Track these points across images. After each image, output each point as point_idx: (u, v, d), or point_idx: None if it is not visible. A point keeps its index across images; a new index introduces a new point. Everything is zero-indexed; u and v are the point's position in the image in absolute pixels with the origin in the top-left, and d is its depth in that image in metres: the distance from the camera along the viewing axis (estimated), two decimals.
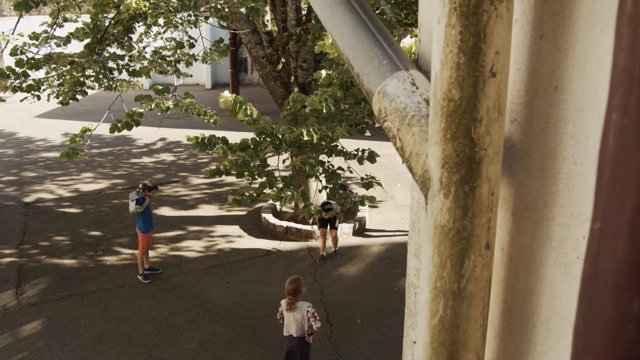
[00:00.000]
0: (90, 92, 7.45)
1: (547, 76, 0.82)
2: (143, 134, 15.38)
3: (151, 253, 8.98)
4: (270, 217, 9.95)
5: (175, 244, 9.58)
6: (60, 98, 7.40)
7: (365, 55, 1.04)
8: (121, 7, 4.85)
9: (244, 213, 10.71)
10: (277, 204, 10.50)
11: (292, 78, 8.87)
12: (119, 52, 7.20)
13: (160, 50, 7.95)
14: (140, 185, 8.19)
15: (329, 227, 8.71)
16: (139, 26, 6.68)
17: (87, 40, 6.73)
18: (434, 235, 0.85)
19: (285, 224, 9.73)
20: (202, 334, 7.09)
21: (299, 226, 9.62)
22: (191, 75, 8.24)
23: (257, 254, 9.21)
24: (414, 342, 1.22)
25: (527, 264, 0.90)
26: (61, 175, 12.97)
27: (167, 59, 8.01)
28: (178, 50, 7.78)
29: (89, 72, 6.81)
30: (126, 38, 7.56)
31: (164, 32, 6.32)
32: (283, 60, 8.74)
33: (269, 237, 9.68)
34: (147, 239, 8.28)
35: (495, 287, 0.95)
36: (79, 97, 7.42)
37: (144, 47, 6.58)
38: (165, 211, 10.76)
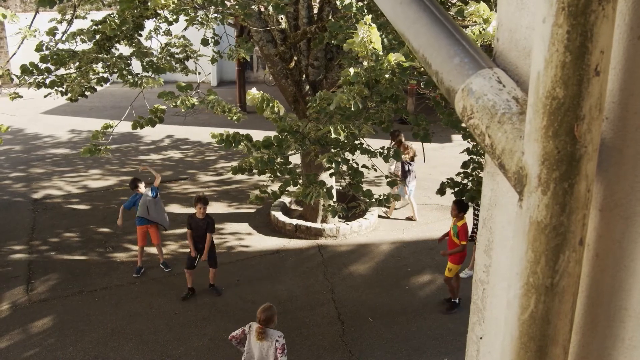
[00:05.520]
0: (97, 88, 7.48)
1: None
2: (150, 131, 15.37)
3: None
4: (279, 215, 9.95)
5: (185, 241, 9.56)
6: (70, 94, 7.42)
7: (444, 54, 1.06)
8: (149, 4, 4.87)
9: (253, 211, 10.72)
10: (287, 201, 10.52)
11: (304, 76, 8.87)
12: (128, 49, 7.23)
13: (169, 48, 7.96)
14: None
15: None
16: (160, 22, 6.70)
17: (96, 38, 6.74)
18: (529, 231, 0.86)
19: (294, 221, 9.73)
20: (214, 331, 7.11)
21: (308, 224, 9.63)
22: (199, 73, 8.27)
23: (267, 251, 9.22)
24: (480, 338, 1.23)
25: (616, 260, 0.91)
26: (69, 171, 12.99)
27: (176, 56, 8.02)
28: (189, 47, 7.79)
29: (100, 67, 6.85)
30: (135, 35, 7.58)
31: (185, 29, 6.36)
32: (295, 58, 8.74)
33: (279, 234, 9.69)
34: (138, 232, 8.45)
35: (580, 283, 0.96)
36: (87, 93, 7.45)
37: (166, 44, 6.62)
38: (174, 208, 10.78)
